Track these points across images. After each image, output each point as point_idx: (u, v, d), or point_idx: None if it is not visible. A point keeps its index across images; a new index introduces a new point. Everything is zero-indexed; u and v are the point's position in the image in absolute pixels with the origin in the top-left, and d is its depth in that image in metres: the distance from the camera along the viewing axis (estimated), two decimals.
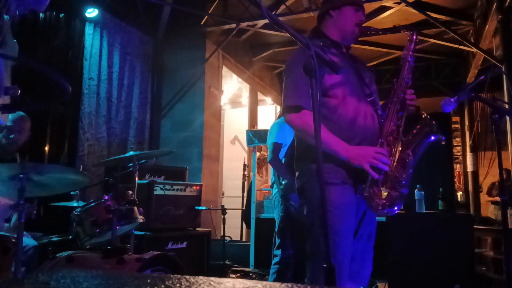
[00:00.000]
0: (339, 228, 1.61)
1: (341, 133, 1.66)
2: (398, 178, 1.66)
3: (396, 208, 1.65)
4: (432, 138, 1.70)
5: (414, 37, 1.83)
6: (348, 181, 1.67)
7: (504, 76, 5.09)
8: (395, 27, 1.91)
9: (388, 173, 1.66)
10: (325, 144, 1.59)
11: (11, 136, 2.75)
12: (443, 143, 1.70)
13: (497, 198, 6.46)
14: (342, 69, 1.57)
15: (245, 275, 4.25)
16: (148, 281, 0.57)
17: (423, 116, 1.73)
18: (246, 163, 6.78)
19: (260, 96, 8.43)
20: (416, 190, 3.57)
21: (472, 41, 6.23)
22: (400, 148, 1.70)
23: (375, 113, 1.78)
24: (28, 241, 2.49)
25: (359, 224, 1.75)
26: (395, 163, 1.68)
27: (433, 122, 1.71)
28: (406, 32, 1.87)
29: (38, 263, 2.41)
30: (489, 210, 7.08)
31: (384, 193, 1.65)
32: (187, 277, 0.59)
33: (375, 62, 7.92)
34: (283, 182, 3.16)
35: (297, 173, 1.81)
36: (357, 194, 1.69)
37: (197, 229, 3.90)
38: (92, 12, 4.73)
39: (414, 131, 1.72)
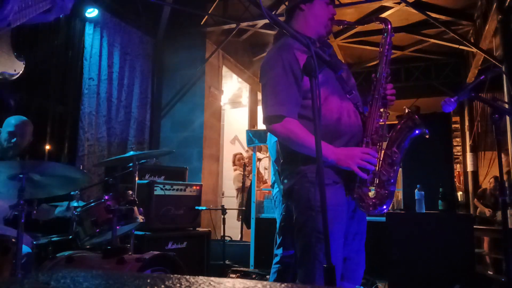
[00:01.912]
0: (332, 229, 1.59)
1: (327, 134, 1.63)
2: (386, 176, 1.66)
3: (385, 206, 1.65)
4: (417, 132, 1.68)
5: (389, 27, 1.77)
6: (339, 181, 1.67)
7: (504, 76, 5.10)
8: (369, 18, 1.87)
9: (376, 172, 1.65)
10: (311, 149, 1.54)
11: (13, 140, 2.76)
12: (427, 136, 1.69)
13: (485, 209, 6.50)
14: (342, 69, 1.56)
15: (245, 275, 4.26)
16: (148, 281, 0.57)
17: (406, 111, 1.72)
18: (246, 163, 6.78)
19: (260, 96, 8.42)
20: (416, 190, 3.57)
21: (472, 41, 6.23)
22: (385, 146, 1.69)
23: (357, 110, 1.76)
24: (23, 248, 2.48)
25: (350, 222, 1.75)
26: (381, 162, 1.67)
27: (416, 116, 1.70)
28: (380, 24, 1.81)
29: (36, 264, 2.41)
30: (479, 210, 7.07)
31: (373, 193, 1.65)
32: (187, 277, 0.59)
33: (375, 62, 7.90)
34: (285, 181, 3.15)
35: (283, 175, 1.79)
36: (347, 195, 1.68)
37: (197, 229, 3.90)
38: (92, 12, 4.73)
39: (398, 127, 1.70)
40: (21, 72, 1.50)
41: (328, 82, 1.70)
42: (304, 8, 1.81)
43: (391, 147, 1.68)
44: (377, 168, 1.65)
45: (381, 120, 1.71)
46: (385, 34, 1.78)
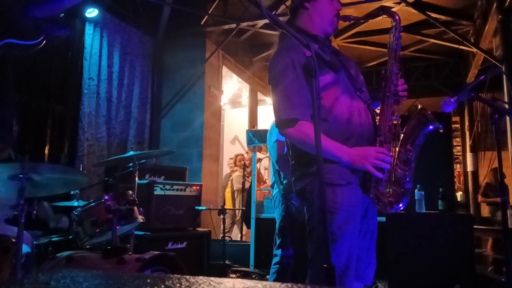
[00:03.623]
0: (346, 229, 1.60)
1: (338, 134, 1.63)
2: (401, 174, 1.65)
3: (401, 204, 1.65)
4: (431, 127, 1.67)
5: (397, 19, 1.76)
6: (354, 181, 1.66)
7: (504, 76, 5.10)
8: (375, 13, 1.83)
9: (391, 170, 1.64)
10: (325, 151, 1.54)
11: None
12: (441, 131, 1.68)
13: (497, 199, 6.45)
14: (342, 69, 1.56)
15: (245, 275, 4.26)
16: (148, 281, 0.57)
17: (418, 107, 1.72)
18: (246, 163, 6.78)
19: (260, 96, 8.44)
20: (416, 190, 3.57)
21: (472, 41, 6.22)
22: (399, 143, 1.68)
23: (368, 108, 1.74)
24: (23, 247, 2.47)
25: (362, 220, 1.74)
26: (396, 160, 1.66)
27: (428, 112, 1.69)
28: (387, 17, 1.79)
29: (36, 264, 2.41)
30: (486, 211, 7.05)
31: (389, 191, 1.64)
32: (187, 277, 0.59)
33: (375, 62, 7.92)
34: (284, 182, 3.15)
35: (295, 176, 1.77)
36: (364, 193, 1.68)
37: (197, 229, 3.90)
38: (92, 12, 4.73)
39: (411, 124, 1.70)
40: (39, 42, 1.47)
41: (338, 81, 1.69)
42: (308, 7, 1.79)
43: (405, 145, 1.67)
44: (392, 166, 1.64)
45: (394, 118, 1.70)
46: (394, 28, 1.76)
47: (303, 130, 1.61)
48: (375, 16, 1.87)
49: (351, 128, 1.68)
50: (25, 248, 2.38)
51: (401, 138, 1.69)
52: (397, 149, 1.68)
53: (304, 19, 1.82)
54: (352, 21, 1.88)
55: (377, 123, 1.72)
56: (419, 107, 1.72)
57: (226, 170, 7.51)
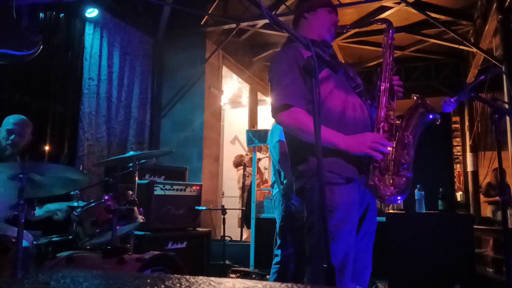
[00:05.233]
0: (343, 229, 1.60)
1: (331, 127, 1.64)
2: (400, 161, 1.64)
3: (401, 195, 1.63)
4: (430, 116, 1.68)
5: (391, 31, 1.83)
6: (352, 175, 1.65)
7: (504, 76, 5.09)
8: (368, 21, 1.99)
9: (389, 158, 1.64)
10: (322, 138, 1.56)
11: (11, 138, 2.76)
12: (438, 123, 1.69)
13: (497, 198, 6.43)
14: (342, 69, 1.56)
15: (245, 275, 4.26)
16: (148, 281, 0.57)
17: (415, 98, 1.73)
18: (246, 163, 6.78)
19: (260, 96, 8.44)
20: (416, 190, 3.57)
21: (472, 41, 6.22)
22: (397, 132, 1.68)
23: (364, 104, 1.76)
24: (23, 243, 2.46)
25: (360, 221, 1.73)
26: (394, 147, 1.66)
27: (427, 101, 1.70)
28: (381, 24, 1.89)
29: (36, 264, 2.41)
30: (488, 211, 7.05)
31: (390, 181, 1.63)
32: (187, 277, 0.59)
33: (375, 62, 7.92)
34: (285, 182, 3.15)
35: (295, 175, 1.78)
36: (361, 186, 1.67)
37: (197, 229, 3.90)
38: (92, 12, 4.73)
39: (409, 114, 1.70)
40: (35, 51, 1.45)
41: (333, 76, 1.72)
42: (308, 16, 1.92)
43: (404, 132, 1.67)
44: (391, 154, 1.64)
45: (390, 109, 1.72)
46: (388, 30, 1.84)
47: (297, 116, 1.65)
48: (370, 24, 1.98)
49: (344, 122, 1.69)
50: (24, 244, 2.38)
51: (399, 126, 1.70)
52: (395, 138, 1.68)
53: (303, 27, 1.94)
54: (349, 30, 1.97)
55: (374, 117, 1.75)
56: (415, 97, 1.73)
57: (226, 170, 7.51)
